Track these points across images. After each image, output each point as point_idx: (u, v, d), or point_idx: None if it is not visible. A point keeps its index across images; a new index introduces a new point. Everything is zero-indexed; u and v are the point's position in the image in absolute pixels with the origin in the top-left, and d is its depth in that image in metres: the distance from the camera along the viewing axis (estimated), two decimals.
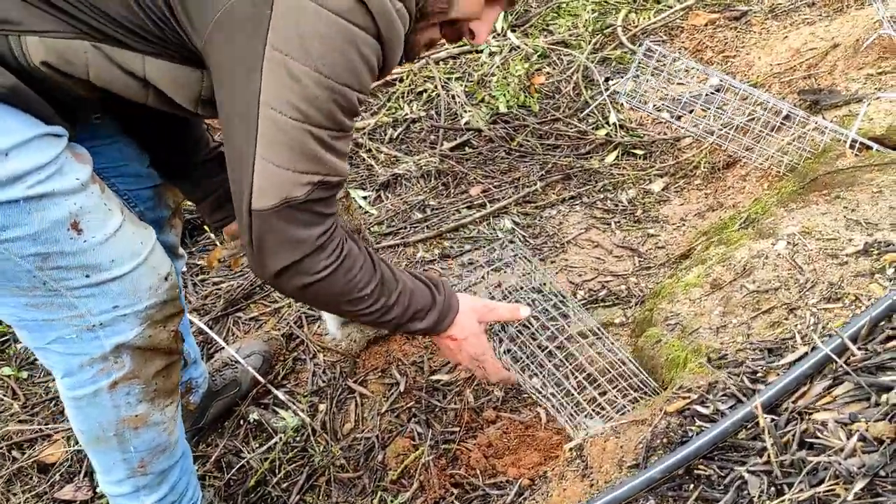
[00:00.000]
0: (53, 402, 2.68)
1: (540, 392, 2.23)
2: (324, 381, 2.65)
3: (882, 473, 1.15)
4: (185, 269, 2.92)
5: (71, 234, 1.47)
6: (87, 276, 1.52)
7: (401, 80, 4.43)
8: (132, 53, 1.46)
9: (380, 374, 2.61)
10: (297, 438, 2.45)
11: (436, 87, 4.32)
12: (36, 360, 2.85)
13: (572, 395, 2.16)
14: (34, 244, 1.44)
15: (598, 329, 2.33)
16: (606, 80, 4.35)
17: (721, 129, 3.20)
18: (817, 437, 1.30)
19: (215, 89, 1.45)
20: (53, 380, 2.73)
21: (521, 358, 2.31)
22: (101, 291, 1.55)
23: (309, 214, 1.49)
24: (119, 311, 1.58)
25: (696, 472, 1.46)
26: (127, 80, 1.50)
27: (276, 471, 2.36)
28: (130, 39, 1.44)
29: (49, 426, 2.57)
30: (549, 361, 2.24)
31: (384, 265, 1.72)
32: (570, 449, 1.91)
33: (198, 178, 2.06)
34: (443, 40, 1.75)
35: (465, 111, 4.12)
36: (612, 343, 2.24)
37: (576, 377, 2.23)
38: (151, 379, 1.72)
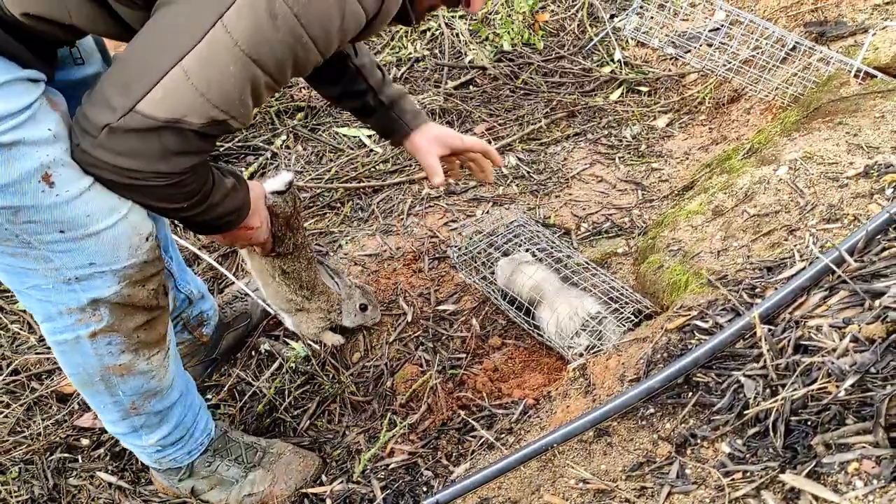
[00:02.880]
0: None
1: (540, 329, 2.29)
2: None
3: (872, 370, 1.20)
4: None
5: (42, 186, 1.40)
6: (62, 232, 1.46)
7: None
8: None
9: (388, 305, 2.66)
10: (308, 368, 2.50)
11: (439, 25, 4.30)
12: None
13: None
14: (3, 197, 1.38)
15: (590, 265, 2.38)
16: (611, 17, 4.31)
17: (727, 63, 3.20)
18: (812, 341, 1.34)
19: None
20: None
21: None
22: (76, 247, 1.49)
23: (189, 143, 1.41)
24: (96, 269, 1.53)
25: (694, 380, 1.51)
26: (107, 18, 1.44)
27: (287, 397, 2.42)
28: None
29: None
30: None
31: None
32: (574, 369, 1.97)
33: None
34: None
35: (470, 49, 4.10)
36: (608, 277, 2.29)
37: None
38: (132, 332, 1.68)
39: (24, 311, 2.82)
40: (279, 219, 2.05)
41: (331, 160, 3.50)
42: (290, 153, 3.56)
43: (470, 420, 2.15)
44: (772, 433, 1.27)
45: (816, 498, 1.13)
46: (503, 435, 2.01)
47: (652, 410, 1.55)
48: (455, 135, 2.21)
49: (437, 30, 4.30)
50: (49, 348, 2.66)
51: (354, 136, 3.63)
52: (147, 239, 1.58)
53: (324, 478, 2.16)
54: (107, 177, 1.44)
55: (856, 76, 2.73)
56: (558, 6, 4.49)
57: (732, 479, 1.26)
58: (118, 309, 1.62)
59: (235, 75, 1.35)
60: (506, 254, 2.60)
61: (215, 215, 1.65)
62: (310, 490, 2.11)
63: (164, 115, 1.34)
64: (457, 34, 4.23)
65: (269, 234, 2.03)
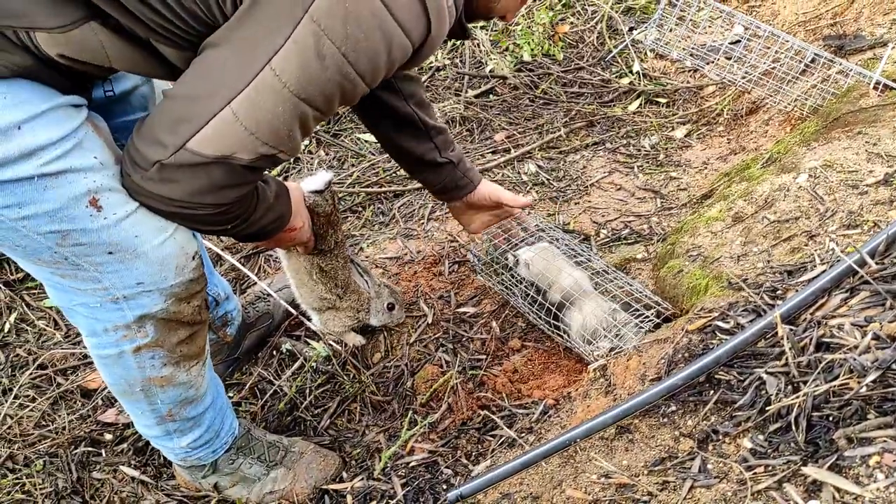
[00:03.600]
0: None
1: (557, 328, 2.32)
2: None
3: (894, 367, 1.22)
4: None
5: (90, 210, 1.42)
6: (111, 253, 1.49)
7: None
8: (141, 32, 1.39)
9: (408, 307, 2.69)
10: (328, 368, 2.54)
11: None
12: None
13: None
14: (52, 222, 1.40)
15: (610, 269, 2.41)
16: (630, 29, 4.35)
17: (746, 74, 3.23)
18: (833, 338, 1.37)
19: (220, 31, 1.37)
20: None
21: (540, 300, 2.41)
22: (125, 268, 1.52)
23: (238, 177, 1.45)
24: (143, 288, 1.56)
25: (716, 378, 1.53)
26: (148, 58, 1.45)
27: (308, 395, 2.46)
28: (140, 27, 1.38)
29: None
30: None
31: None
32: (595, 369, 1.99)
33: None
34: None
35: (490, 59, 4.15)
36: (629, 280, 2.32)
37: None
38: (175, 347, 1.72)
39: (51, 308, 2.87)
40: (320, 217, 2.09)
41: (352, 165, 3.55)
42: (312, 158, 3.61)
43: (493, 416, 2.18)
44: (794, 428, 1.29)
45: (839, 490, 1.15)
46: (523, 434, 2.03)
47: (673, 408, 1.57)
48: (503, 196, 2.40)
49: (458, 39, 4.35)
50: (75, 344, 2.74)
51: (376, 142, 3.68)
52: (193, 258, 1.61)
53: (344, 475, 2.19)
54: (154, 206, 1.49)
55: (875, 88, 2.76)
56: (578, 18, 4.53)
57: (755, 473, 1.29)
58: (163, 325, 1.65)
59: (284, 114, 1.38)
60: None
61: (258, 227, 1.70)
62: (331, 486, 2.14)
63: (213, 153, 1.38)
64: (478, 44, 4.28)
65: (311, 234, 2.07)
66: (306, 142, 3.72)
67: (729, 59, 3.63)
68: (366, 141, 3.71)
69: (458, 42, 4.33)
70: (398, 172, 3.45)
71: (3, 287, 2.89)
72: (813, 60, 3.11)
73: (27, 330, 2.80)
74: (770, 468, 1.28)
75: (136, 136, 1.43)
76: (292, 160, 3.60)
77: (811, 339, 1.40)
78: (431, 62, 4.22)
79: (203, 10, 1.35)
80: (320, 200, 2.07)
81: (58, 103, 1.39)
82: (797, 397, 1.31)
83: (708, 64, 3.76)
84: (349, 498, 2.09)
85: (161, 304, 1.61)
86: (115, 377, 1.75)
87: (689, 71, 3.99)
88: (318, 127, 3.77)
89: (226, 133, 1.37)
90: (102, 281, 1.52)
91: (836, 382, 1.27)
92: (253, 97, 1.34)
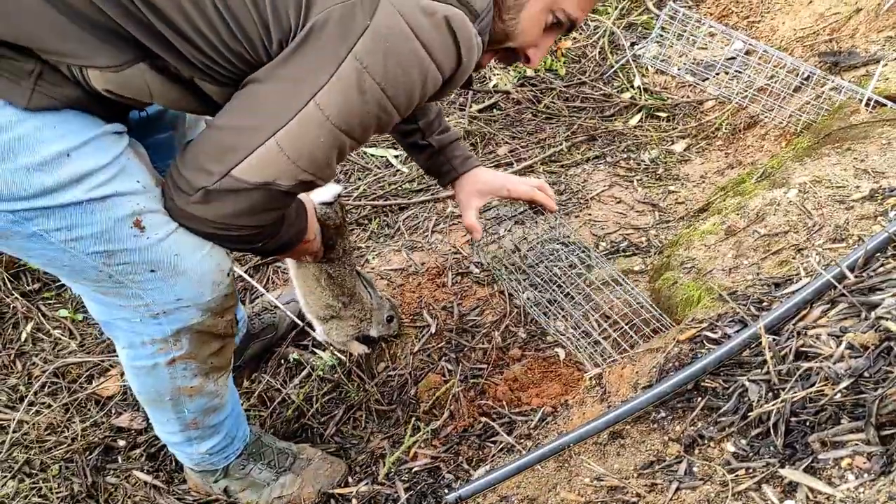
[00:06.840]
0: (108, 342, 2.88)
1: (562, 334, 2.40)
2: None
3: (866, 374, 1.30)
4: None
5: (134, 231, 1.51)
6: (153, 272, 1.57)
7: None
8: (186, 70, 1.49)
9: (412, 317, 2.77)
10: (334, 376, 2.62)
11: None
12: None
13: (591, 335, 2.31)
14: (98, 242, 1.49)
15: (619, 276, 2.48)
16: (632, 45, 4.44)
17: (743, 91, 3.31)
18: (811, 348, 1.44)
19: (265, 68, 1.45)
20: None
21: (544, 303, 2.48)
22: (166, 285, 1.59)
23: (276, 201, 1.55)
24: (182, 303, 1.64)
25: (703, 385, 1.61)
26: (188, 96, 1.55)
27: (314, 403, 2.54)
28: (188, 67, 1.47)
29: (106, 360, 2.75)
30: (571, 305, 2.41)
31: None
32: (590, 378, 2.07)
33: None
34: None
35: (494, 74, 4.25)
36: (631, 288, 2.39)
37: (595, 319, 2.38)
38: (207, 358, 1.81)
39: (66, 318, 2.97)
40: (330, 229, 2.17)
41: (359, 178, 3.64)
42: None
43: (493, 423, 2.25)
44: (773, 433, 1.37)
45: (812, 490, 1.23)
46: (522, 440, 2.11)
47: (663, 414, 1.65)
48: (501, 184, 2.34)
49: None
50: (89, 353, 2.82)
51: (382, 156, 3.77)
52: (228, 274, 1.70)
53: (349, 479, 2.26)
54: (194, 227, 1.58)
55: (866, 105, 2.83)
56: (580, 34, 4.63)
57: (736, 475, 1.36)
58: (198, 338, 1.74)
59: (325, 145, 1.48)
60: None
61: (281, 244, 1.80)
62: (336, 491, 2.22)
63: (256, 180, 1.47)
64: None
65: (321, 244, 2.15)
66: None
67: (727, 74, 3.71)
68: (372, 155, 3.80)
69: None
70: (403, 186, 3.54)
71: (20, 297, 2.98)
72: (807, 77, 3.19)
73: (43, 339, 2.89)
74: (751, 470, 1.35)
75: (181, 163, 1.53)
76: None
77: (791, 349, 1.48)
78: None
79: (250, 52, 1.45)
80: (330, 212, 2.16)
81: (102, 131, 1.49)
82: (777, 404, 1.38)
83: (706, 80, 3.84)
84: (354, 502, 2.16)
85: (198, 318, 1.69)
86: (146, 387, 1.84)
87: (689, 86, 4.07)
88: None
89: (269, 162, 1.46)
90: (144, 297, 1.61)
91: (813, 389, 1.34)
92: (297, 130, 1.44)
